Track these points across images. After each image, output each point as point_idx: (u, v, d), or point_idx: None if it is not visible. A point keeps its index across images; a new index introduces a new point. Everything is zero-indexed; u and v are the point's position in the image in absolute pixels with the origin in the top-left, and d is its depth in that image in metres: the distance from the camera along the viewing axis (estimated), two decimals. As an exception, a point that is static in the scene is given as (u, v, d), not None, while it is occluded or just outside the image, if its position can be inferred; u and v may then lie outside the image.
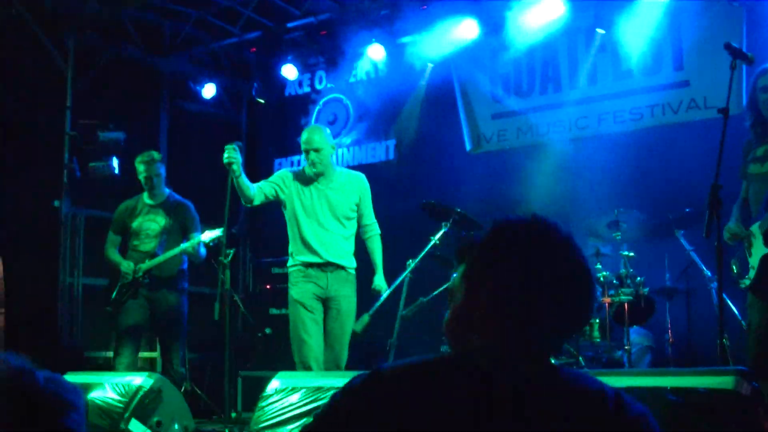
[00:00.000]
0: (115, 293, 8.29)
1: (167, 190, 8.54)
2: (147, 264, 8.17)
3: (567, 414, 1.93)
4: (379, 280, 7.40)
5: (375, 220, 7.55)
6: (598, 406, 1.96)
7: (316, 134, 7.31)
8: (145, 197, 8.49)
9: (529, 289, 2.06)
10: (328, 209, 7.30)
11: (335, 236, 7.28)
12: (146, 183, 8.39)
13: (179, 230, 8.33)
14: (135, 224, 8.38)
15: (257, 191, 7.30)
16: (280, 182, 7.41)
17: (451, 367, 2.00)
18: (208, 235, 7.88)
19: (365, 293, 7.39)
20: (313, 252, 7.23)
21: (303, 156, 7.36)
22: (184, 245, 8.09)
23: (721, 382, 3.95)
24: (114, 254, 8.47)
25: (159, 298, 8.26)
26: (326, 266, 7.23)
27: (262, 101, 11.46)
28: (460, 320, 2.18)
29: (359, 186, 7.47)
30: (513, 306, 2.07)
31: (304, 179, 7.38)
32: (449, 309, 2.24)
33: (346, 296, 7.25)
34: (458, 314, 2.19)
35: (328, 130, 7.49)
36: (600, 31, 9.45)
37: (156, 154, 8.49)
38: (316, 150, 7.21)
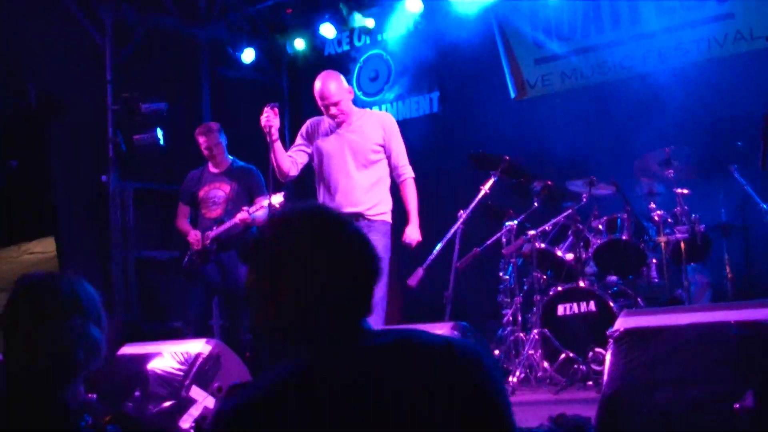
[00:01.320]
0: (185, 261, 8.37)
1: (230, 158, 8.56)
2: (214, 232, 8.23)
3: (408, 378, 2.02)
4: (410, 231, 7.00)
5: (406, 163, 7.09)
6: (431, 360, 2.08)
7: (330, 85, 6.92)
8: (210, 166, 8.55)
9: (324, 275, 2.13)
10: (350, 155, 6.97)
11: (358, 183, 6.95)
12: (208, 154, 8.45)
13: (246, 196, 8.33)
14: (201, 193, 8.44)
15: (293, 164, 7.14)
16: (303, 141, 7.20)
17: (300, 379, 2.00)
18: (275, 199, 7.83)
19: (426, 247, 7.14)
20: (334, 202, 6.97)
21: (323, 109, 7.02)
22: (245, 212, 8.06)
23: (788, 312, 3.90)
24: (183, 224, 8.56)
25: (229, 263, 8.28)
26: (349, 216, 6.95)
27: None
28: (270, 325, 2.20)
29: (381, 125, 7.05)
30: (316, 296, 2.13)
31: (325, 127, 7.10)
32: (252, 315, 2.23)
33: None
34: (266, 319, 2.20)
35: (340, 75, 7.11)
36: None
37: (213, 124, 8.55)
38: (335, 104, 6.90)
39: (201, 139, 8.42)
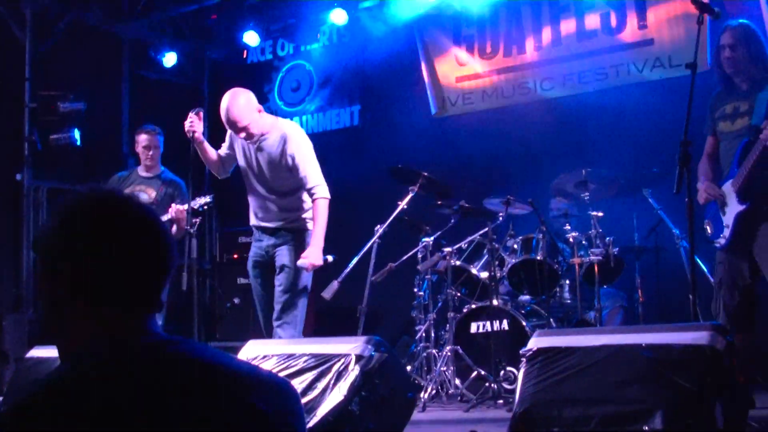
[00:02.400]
0: None
1: (162, 167, 8.47)
2: None
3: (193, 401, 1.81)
4: (310, 252, 6.61)
5: (318, 182, 6.72)
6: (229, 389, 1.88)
7: (235, 109, 6.54)
8: (140, 170, 8.45)
9: (109, 271, 1.92)
10: (262, 173, 6.82)
11: (273, 201, 6.87)
12: (144, 155, 8.35)
13: (168, 206, 8.20)
14: (126, 192, 8.29)
15: (223, 161, 7.08)
16: (229, 147, 7.06)
17: (81, 381, 1.79)
18: (199, 201, 7.72)
19: (341, 260, 7.08)
20: (255, 213, 6.98)
21: None
22: (174, 205, 7.93)
23: (696, 337, 3.97)
24: None
25: None
26: (264, 230, 6.92)
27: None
28: (54, 321, 1.98)
29: (286, 144, 6.70)
30: (89, 288, 1.92)
31: (242, 140, 6.89)
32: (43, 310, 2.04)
33: (283, 253, 6.76)
34: (50, 315, 1.99)
35: (248, 94, 6.70)
36: None
37: (157, 128, 8.46)
38: (243, 128, 6.58)
39: (143, 137, 8.33)
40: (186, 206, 7.73)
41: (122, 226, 1.98)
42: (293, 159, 6.70)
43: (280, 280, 6.76)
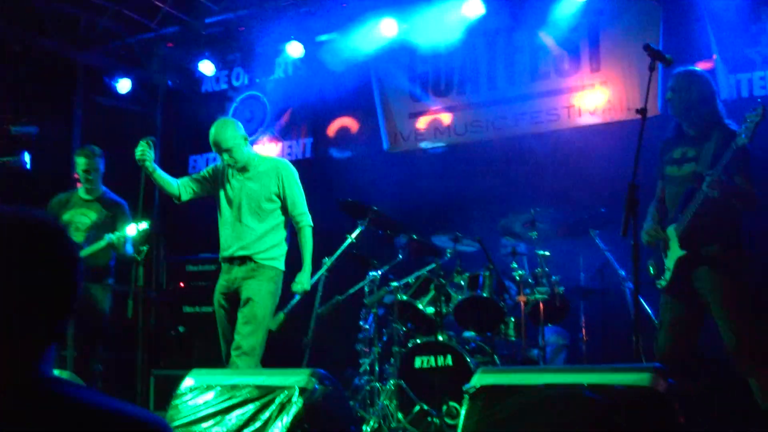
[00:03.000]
0: None
1: (103, 188, 8.42)
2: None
3: None
4: (301, 278, 7.05)
5: (303, 211, 7.16)
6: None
7: (222, 133, 6.98)
8: (81, 192, 8.38)
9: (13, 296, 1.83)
10: (245, 201, 7.05)
11: (251, 230, 7.03)
12: (84, 177, 8.28)
13: (110, 228, 8.14)
14: (66, 216, 8.23)
15: (183, 187, 7.18)
16: (208, 175, 7.29)
17: None
18: (135, 228, 7.72)
19: (285, 292, 7.18)
20: (226, 246, 7.11)
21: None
22: (108, 236, 7.88)
23: (638, 378, 3.99)
24: None
25: (84, 293, 8.01)
26: (233, 261, 7.03)
27: None
28: None
29: (278, 173, 7.11)
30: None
31: (227, 170, 7.19)
32: None
33: (251, 286, 6.93)
34: None
35: (235, 122, 7.16)
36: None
37: (97, 149, 8.38)
38: (227, 150, 6.97)
39: (82, 160, 8.26)
40: (119, 236, 7.74)
41: (26, 255, 1.86)
42: (283, 188, 7.07)
43: (243, 313, 6.89)
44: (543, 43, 9.55)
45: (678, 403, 4.00)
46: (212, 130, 7.03)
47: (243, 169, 7.11)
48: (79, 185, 8.39)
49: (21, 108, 9.94)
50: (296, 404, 4.62)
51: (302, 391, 4.67)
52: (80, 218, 8.21)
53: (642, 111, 5.38)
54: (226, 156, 6.97)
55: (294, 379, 4.76)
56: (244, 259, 7.00)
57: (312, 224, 7.18)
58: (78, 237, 8.13)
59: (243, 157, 7.05)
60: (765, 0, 8.44)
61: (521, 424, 4.13)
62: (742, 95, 8.42)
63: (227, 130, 7.00)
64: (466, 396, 4.36)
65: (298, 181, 7.22)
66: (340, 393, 5.05)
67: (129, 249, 8.02)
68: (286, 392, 4.70)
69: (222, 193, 7.18)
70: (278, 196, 7.10)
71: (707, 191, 5.71)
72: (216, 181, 7.25)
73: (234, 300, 7.00)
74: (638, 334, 5.15)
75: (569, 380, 4.16)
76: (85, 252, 7.98)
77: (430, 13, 9.63)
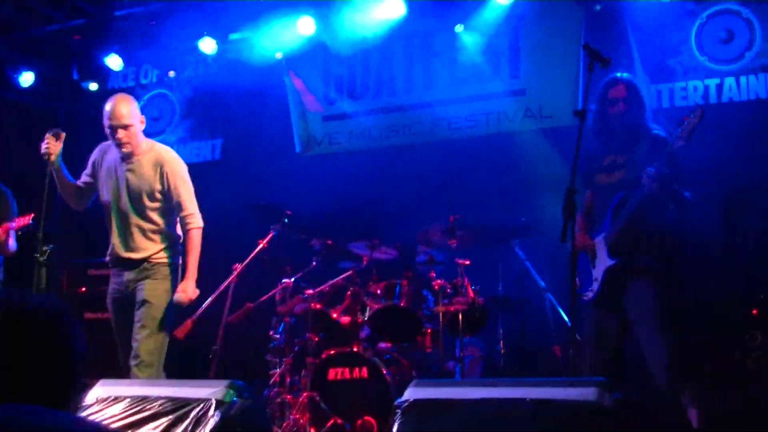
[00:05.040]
0: None
1: None
2: None
3: None
4: (185, 286, 6.43)
5: (193, 211, 6.55)
6: None
7: (123, 106, 6.37)
8: None
9: None
10: (128, 198, 6.49)
11: (137, 230, 6.51)
12: None
13: None
14: None
15: (83, 193, 6.72)
16: (89, 170, 6.73)
17: None
18: (18, 222, 7.28)
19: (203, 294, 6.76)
20: (114, 246, 6.59)
21: (108, 132, 6.45)
22: None
23: (582, 393, 3.78)
24: None
25: None
26: (125, 262, 6.51)
27: None
28: None
29: (161, 169, 6.48)
30: None
31: (109, 159, 6.59)
32: None
33: (145, 286, 6.41)
34: None
35: (134, 101, 6.58)
36: (458, 28, 9.24)
37: None
38: (125, 126, 6.34)
39: None
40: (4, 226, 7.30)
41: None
42: (168, 183, 6.46)
43: (139, 316, 6.37)
44: (462, 47, 9.36)
45: (625, 418, 3.81)
46: (109, 104, 6.41)
47: (129, 159, 6.49)
48: None
49: None
50: (213, 418, 4.29)
51: (219, 404, 4.33)
52: None
53: (581, 113, 5.18)
54: (122, 133, 6.34)
55: (210, 391, 4.42)
56: (135, 262, 6.50)
57: (201, 225, 6.60)
58: None
59: (136, 140, 6.45)
60: (687, 11, 8.40)
61: (458, 441, 3.89)
62: (663, 105, 8.37)
63: (127, 106, 6.41)
64: (398, 411, 4.09)
65: (186, 176, 6.62)
66: (260, 406, 4.75)
67: (11, 245, 7.55)
68: (201, 405, 4.36)
69: (105, 187, 6.60)
70: (161, 194, 6.51)
71: (647, 185, 5.57)
72: (97, 173, 6.67)
73: (129, 303, 6.47)
74: (576, 346, 4.98)
75: (510, 394, 3.92)
76: None
77: (348, 12, 9.35)
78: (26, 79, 10.80)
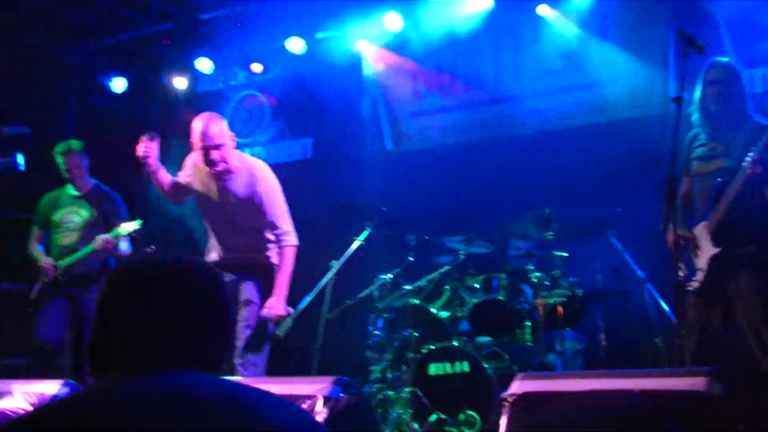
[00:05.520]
0: (35, 293, 7.84)
1: (92, 181, 8.17)
2: (66, 260, 7.78)
3: None
4: (274, 303, 6.47)
5: (287, 229, 6.62)
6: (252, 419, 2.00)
7: (213, 126, 6.33)
8: (69, 188, 8.12)
9: (153, 328, 2.14)
10: (227, 208, 6.57)
11: (235, 238, 6.64)
12: (67, 175, 8.02)
13: (103, 223, 7.89)
14: (57, 216, 8.01)
15: (178, 189, 6.79)
16: (189, 171, 6.77)
17: (88, 408, 1.94)
18: (126, 227, 7.47)
19: (293, 295, 6.78)
20: (215, 249, 6.74)
21: (201, 155, 6.43)
22: (98, 238, 7.61)
23: (693, 383, 3.74)
24: (35, 250, 8.08)
25: (80, 296, 7.82)
26: (226, 266, 6.51)
27: None
28: (95, 355, 2.21)
29: (255, 187, 6.53)
30: (139, 344, 2.13)
31: (205, 172, 6.60)
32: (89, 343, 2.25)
33: (248, 287, 6.52)
34: (93, 350, 2.21)
35: (224, 120, 6.54)
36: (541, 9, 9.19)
37: (75, 144, 8.10)
38: (216, 147, 6.32)
39: (60, 159, 8.01)
40: (109, 236, 7.46)
41: (171, 288, 2.19)
42: (261, 201, 6.49)
43: (242, 316, 6.46)
44: (549, 39, 9.30)
45: (734, 409, 3.77)
46: (198, 123, 6.38)
47: (224, 173, 6.51)
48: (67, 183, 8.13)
49: (13, 109, 9.72)
50: (320, 415, 4.34)
51: (326, 400, 4.39)
52: (72, 217, 7.98)
53: (677, 99, 5.12)
54: (215, 153, 6.31)
55: (317, 388, 4.48)
56: (235, 267, 6.58)
57: (296, 243, 6.64)
58: (71, 237, 7.89)
59: (228, 159, 6.44)
60: (778, -8, 8.24)
61: (567, 433, 3.88)
62: (756, 90, 8.20)
63: (218, 125, 6.38)
64: (506, 404, 4.09)
65: (278, 192, 6.66)
66: (365, 402, 4.79)
67: (124, 249, 7.74)
68: (309, 402, 4.42)
69: (201, 196, 6.70)
70: (256, 211, 6.54)
71: (748, 170, 5.48)
72: (195, 180, 6.72)
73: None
74: (680, 337, 4.92)
75: (617, 386, 3.90)
76: (77, 255, 7.73)
77: (435, 7, 9.36)
78: (118, 84, 11.04)
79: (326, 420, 4.31)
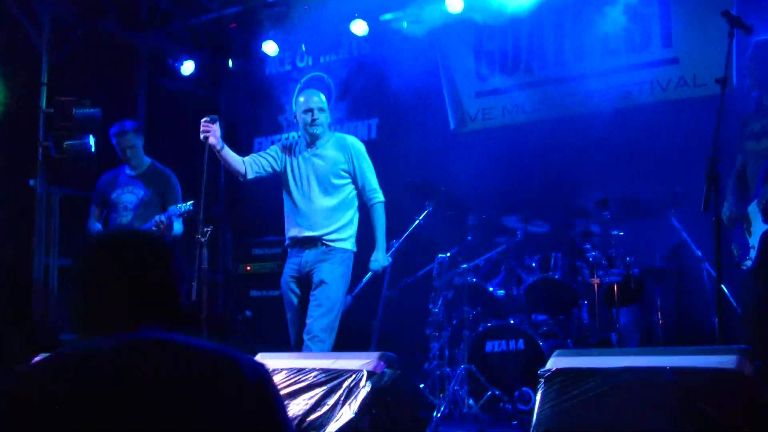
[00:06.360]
0: None
1: (148, 160, 8.31)
2: None
3: (187, 385, 2.18)
4: (377, 256, 6.96)
5: (375, 187, 7.05)
6: (219, 371, 2.25)
7: (319, 94, 7.10)
8: (126, 168, 8.27)
9: (120, 293, 2.40)
10: (314, 178, 6.94)
11: (319, 208, 6.90)
12: (122, 155, 8.18)
13: (158, 202, 8.07)
14: (114, 196, 8.17)
15: (249, 165, 7.08)
16: (274, 154, 7.17)
17: (75, 361, 2.20)
18: (178, 208, 7.64)
19: (356, 273, 7.05)
20: (295, 226, 6.97)
21: (302, 118, 6.99)
22: (155, 218, 7.80)
23: (724, 361, 3.81)
24: (93, 227, 8.25)
25: None
26: (305, 242, 6.88)
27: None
28: (78, 316, 2.46)
29: (347, 149, 7.02)
30: (109, 304, 2.40)
31: (294, 149, 7.11)
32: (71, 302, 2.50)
33: (323, 268, 6.79)
34: (76, 310, 2.47)
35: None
36: None
37: (128, 125, 8.22)
38: (322, 110, 6.99)
39: (114, 141, 8.15)
40: (164, 218, 7.62)
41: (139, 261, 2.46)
42: (354, 163, 6.98)
43: (315, 295, 6.75)
44: (612, 17, 9.27)
45: (765, 387, 3.81)
46: (307, 91, 7.18)
47: (312, 144, 7.02)
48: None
49: (85, 92, 9.95)
50: (364, 389, 4.48)
51: (370, 375, 4.54)
52: (127, 196, 8.13)
53: (722, 80, 5.14)
54: (319, 114, 6.95)
55: (362, 363, 4.63)
56: (314, 241, 6.85)
57: (384, 200, 7.06)
58: (127, 216, 8.07)
59: (326, 124, 7.08)
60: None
61: (599, 409, 3.97)
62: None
63: (322, 95, 7.14)
64: (541, 380, 4.19)
65: (367, 156, 7.12)
66: (410, 377, 4.92)
67: (176, 228, 7.93)
68: (353, 376, 4.57)
69: (289, 171, 7.06)
70: (347, 172, 6.98)
71: None
72: (282, 159, 7.14)
73: (305, 284, 6.86)
74: (721, 315, 4.95)
75: (650, 363, 3.98)
76: None
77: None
78: (187, 67, 11.22)
79: (369, 393, 4.45)
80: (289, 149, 7.16)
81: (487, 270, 8.18)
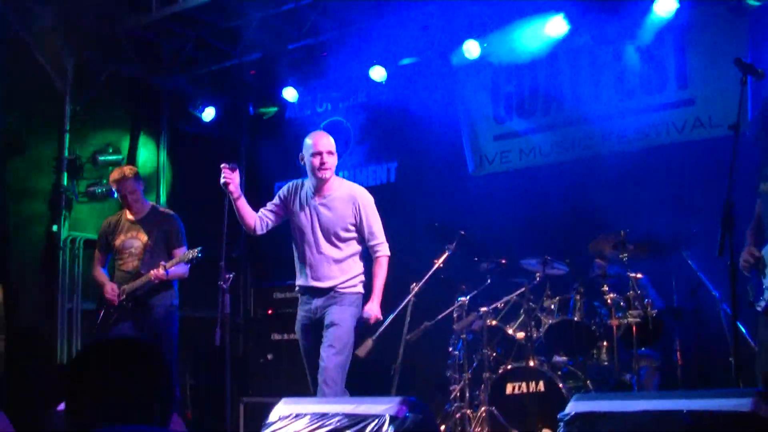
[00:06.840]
0: (100, 318, 8.16)
1: (149, 203, 8.41)
2: (129, 287, 8.04)
3: None
4: (371, 307, 6.95)
5: (381, 240, 7.06)
6: None
7: (328, 137, 7.06)
8: (127, 213, 8.35)
9: (110, 393, 2.60)
10: (320, 231, 6.99)
11: (327, 259, 6.98)
12: (122, 201, 8.27)
13: (163, 246, 8.17)
14: (117, 242, 8.25)
15: (259, 221, 7.14)
16: (279, 203, 7.21)
17: None
18: (187, 254, 7.73)
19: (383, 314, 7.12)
20: (304, 275, 7.07)
21: (309, 162, 6.95)
22: (152, 272, 7.88)
23: (740, 404, 3.86)
24: (99, 275, 8.36)
25: (144, 318, 8.09)
26: (314, 291, 6.99)
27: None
28: (69, 407, 2.65)
29: (354, 203, 7.02)
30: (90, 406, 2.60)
31: (301, 195, 7.11)
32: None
33: (333, 310, 6.88)
34: (68, 403, 2.66)
35: None
36: None
37: (128, 170, 8.31)
38: (331, 153, 6.97)
39: (114, 186, 8.23)
40: (161, 270, 7.70)
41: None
42: (361, 216, 6.99)
43: (326, 336, 6.83)
44: (628, 60, 9.38)
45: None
46: (316, 134, 7.14)
47: (319, 191, 7.03)
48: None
49: (107, 136, 10.11)
50: (386, 433, 4.55)
51: (393, 419, 4.60)
52: (131, 242, 8.20)
53: (735, 127, 5.22)
54: (327, 158, 6.93)
55: (384, 408, 4.69)
56: (325, 290, 6.96)
57: (389, 254, 7.10)
58: (133, 262, 8.14)
59: (334, 169, 7.06)
60: None
61: (618, 452, 4.03)
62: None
63: (331, 138, 7.11)
64: (561, 423, 4.26)
65: (375, 209, 7.14)
66: (432, 421, 4.98)
67: (182, 272, 8.11)
68: (376, 421, 4.64)
69: (296, 220, 7.11)
70: (354, 226, 7.02)
71: None
72: (287, 207, 7.19)
73: (318, 327, 6.94)
74: (737, 356, 4.99)
75: (667, 406, 4.04)
76: (139, 282, 7.99)
77: (512, 32, 9.51)
78: (208, 113, 11.34)
79: (391, 438, 4.52)
80: (294, 195, 7.17)
81: (507, 312, 8.24)
